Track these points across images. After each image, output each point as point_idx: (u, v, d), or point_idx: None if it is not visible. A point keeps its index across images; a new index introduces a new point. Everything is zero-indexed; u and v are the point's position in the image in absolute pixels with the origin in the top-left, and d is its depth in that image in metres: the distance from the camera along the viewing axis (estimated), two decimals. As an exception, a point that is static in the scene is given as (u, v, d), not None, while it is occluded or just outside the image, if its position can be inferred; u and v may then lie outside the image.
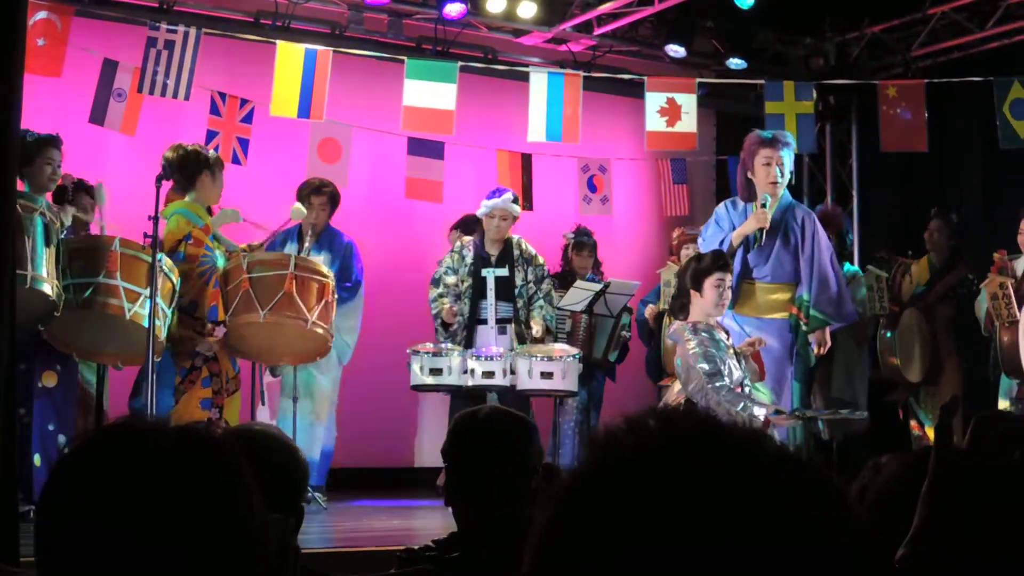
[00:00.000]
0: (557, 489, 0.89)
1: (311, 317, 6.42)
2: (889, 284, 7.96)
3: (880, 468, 1.79)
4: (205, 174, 6.78)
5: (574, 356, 7.21)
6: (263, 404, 6.97)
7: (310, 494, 6.55)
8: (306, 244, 7.40)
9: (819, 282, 6.76)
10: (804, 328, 6.78)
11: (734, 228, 6.75)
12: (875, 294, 7.89)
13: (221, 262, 6.59)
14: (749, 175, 6.77)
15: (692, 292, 5.80)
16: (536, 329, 7.65)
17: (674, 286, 6.34)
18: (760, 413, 5.51)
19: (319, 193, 7.70)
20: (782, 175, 6.72)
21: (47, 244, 5.62)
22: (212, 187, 6.81)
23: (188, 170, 6.75)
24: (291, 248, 7.58)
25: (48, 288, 5.58)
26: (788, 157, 6.78)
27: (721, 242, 6.67)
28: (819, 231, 6.89)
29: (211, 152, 6.94)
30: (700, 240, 6.98)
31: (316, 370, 7.67)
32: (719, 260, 5.86)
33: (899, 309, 8.02)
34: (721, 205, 7.03)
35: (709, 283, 5.75)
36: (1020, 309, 6.89)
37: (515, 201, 7.80)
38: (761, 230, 6.70)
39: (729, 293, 5.89)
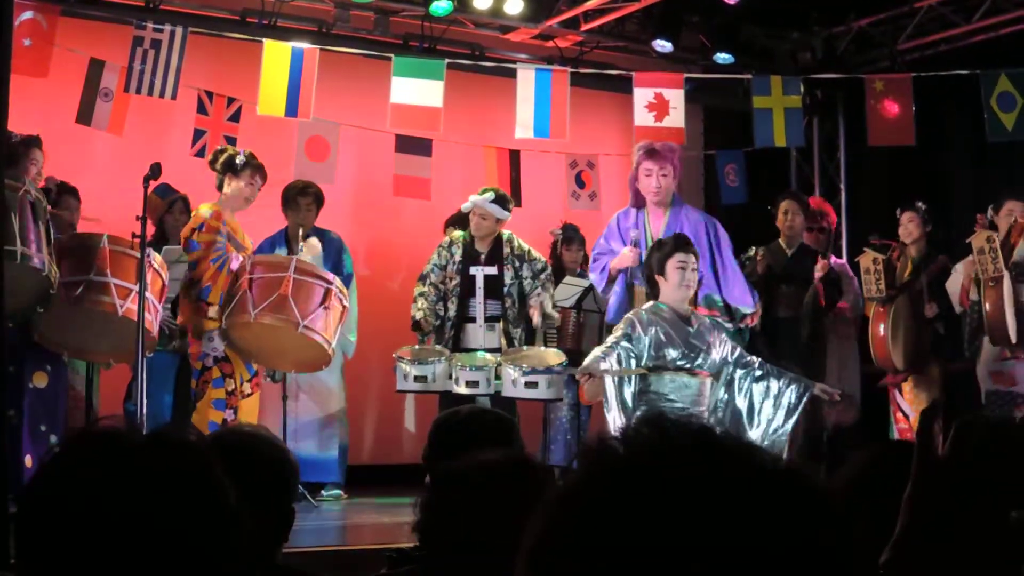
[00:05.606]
0: (549, 497, 0.88)
1: (303, 321, 6.33)
2: (887, 266, 7.91)
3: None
4: (228, 176, 6.86)
5: (562, 364, 7.06)
6: None
7: (301, 490, 6.54)
8: (296, 245, 7.39)
9: (730, 283, 7.04)
10: (728, 325, 6.92)
11: (623, 240, 7.00)
12: (872, 276, 7.85)
13: (235, 264, 6.62)
14: (637, 184, 7.05)
15: (658, 277, 5.93)
16: (535, 318, 7.59)
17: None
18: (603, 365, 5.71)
19: (305, 194, 7.70)
20: (661, 186, 6.99)
21: (35, 220, 5.54)
22: (236, 190, 6.86)
23: (219, 172, 6.90)
24: (280, 251, 7.57)
25: (40, 263, 5.50)
26: (673, 167, 7.05)
27: (602, 269, 7.01)
28: (721, 233, 7.09)
29: (240, 156, 6.93)
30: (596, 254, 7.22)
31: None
32: (680, 241, 5.99)
33: (894, 293, 7.99)
34: (615, 216, 7.22)
35: (671, 265, 5.87)
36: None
37: (497, 201, 7.62)
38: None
39: (694, 275, 5.96)
